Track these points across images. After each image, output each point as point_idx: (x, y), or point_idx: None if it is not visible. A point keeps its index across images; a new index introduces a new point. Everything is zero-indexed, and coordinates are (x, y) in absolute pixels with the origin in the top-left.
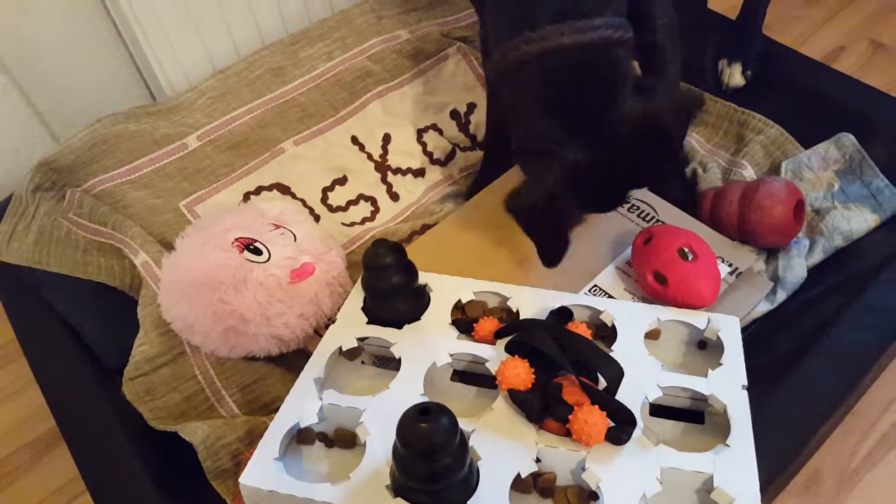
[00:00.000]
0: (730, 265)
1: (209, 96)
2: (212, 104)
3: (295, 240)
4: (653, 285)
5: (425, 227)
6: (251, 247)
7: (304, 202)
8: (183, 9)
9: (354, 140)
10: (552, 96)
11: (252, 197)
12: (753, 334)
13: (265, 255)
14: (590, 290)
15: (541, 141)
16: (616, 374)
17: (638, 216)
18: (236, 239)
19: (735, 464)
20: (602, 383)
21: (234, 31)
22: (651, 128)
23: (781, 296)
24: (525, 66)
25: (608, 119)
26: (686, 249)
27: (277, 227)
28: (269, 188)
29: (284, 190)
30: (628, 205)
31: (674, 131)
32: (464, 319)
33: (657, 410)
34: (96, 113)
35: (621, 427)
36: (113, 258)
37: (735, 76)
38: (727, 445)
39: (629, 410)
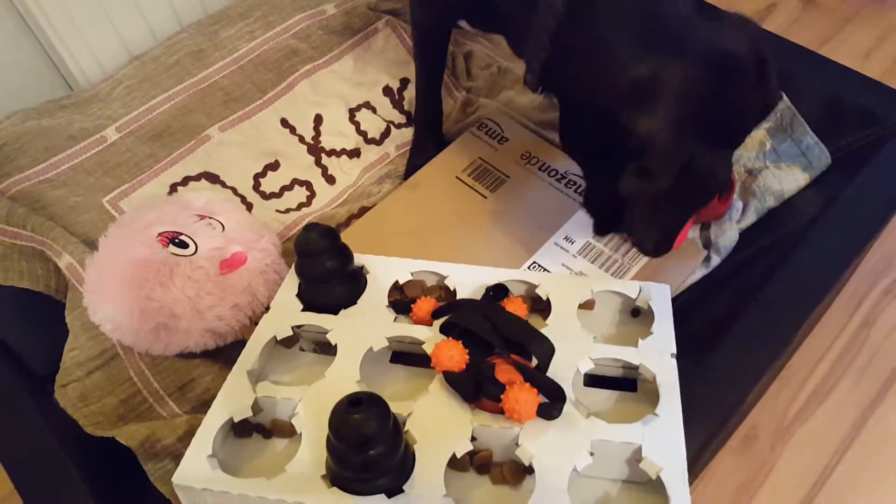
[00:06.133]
0: None
1: (126, 85)
2: (129, 93)
3: (223, 229)
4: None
5: (363, 210)
6: (176, 240)
7: (234, 190)
8: None
9: (284, 122)
10: None
11: (179, 188)
12: (689, 299)
13: (191, 248)
14: (529, 267)
15: None
16: (547, 350)
17: (575, 191)
18: (160, 233)
19: (663, 433)
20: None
21: (148, 14)
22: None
23: (715, 260)
24: None
25: None
26: None
27: (203, 217)
28: (197, 178)
29: (213, 179)
30: (564, 180)
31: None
32: (402, 300)
33: (594, 380)
34: (11, 107)
35: (552, 403)
36: (35, 262)
37: None
38: (656, 415)
39: (559, 387)
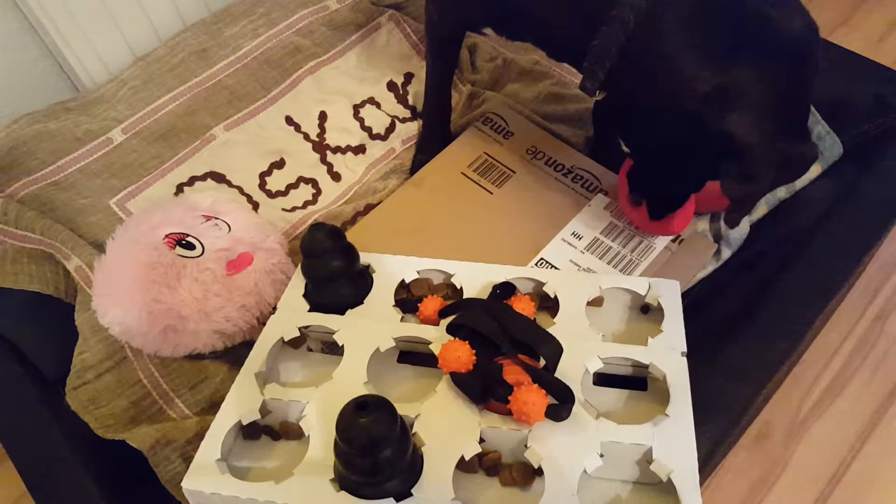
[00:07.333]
0: None
1: (131, 86)
2: (134, 94)
3: (229, 230)
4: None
5: (369, 207)
6: (183, 242)
7: (240, 189)
8: None
9: (289, 120)
10: None
11: (186, 188)
12: (700, 293)
13: (198, 250)
14: (536, 264)
15: None
16: (555, 351)
17: (582, 186)
18: (166, 235)
19: (673, 434)
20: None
21: (152, 14)
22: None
23: (726, 253)
24: None
25: None
26: None
27: (209, 218)
28: (203, 178)
29: (219, 178)
30: (571, 174)
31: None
32: (409, 299)
33: (604, 379)
34: (17, 110)
35: (561, 404)
36: (45, 265)
37: None
38: (666, 415)
39: (568, 388)
